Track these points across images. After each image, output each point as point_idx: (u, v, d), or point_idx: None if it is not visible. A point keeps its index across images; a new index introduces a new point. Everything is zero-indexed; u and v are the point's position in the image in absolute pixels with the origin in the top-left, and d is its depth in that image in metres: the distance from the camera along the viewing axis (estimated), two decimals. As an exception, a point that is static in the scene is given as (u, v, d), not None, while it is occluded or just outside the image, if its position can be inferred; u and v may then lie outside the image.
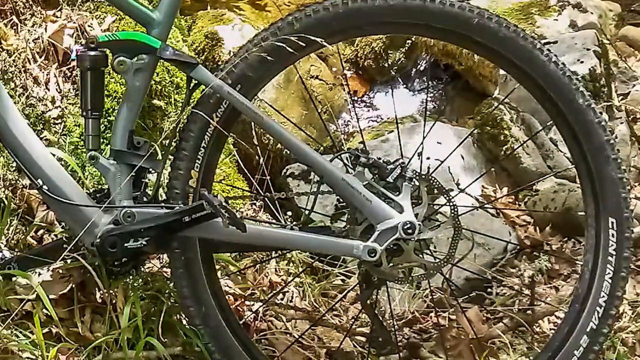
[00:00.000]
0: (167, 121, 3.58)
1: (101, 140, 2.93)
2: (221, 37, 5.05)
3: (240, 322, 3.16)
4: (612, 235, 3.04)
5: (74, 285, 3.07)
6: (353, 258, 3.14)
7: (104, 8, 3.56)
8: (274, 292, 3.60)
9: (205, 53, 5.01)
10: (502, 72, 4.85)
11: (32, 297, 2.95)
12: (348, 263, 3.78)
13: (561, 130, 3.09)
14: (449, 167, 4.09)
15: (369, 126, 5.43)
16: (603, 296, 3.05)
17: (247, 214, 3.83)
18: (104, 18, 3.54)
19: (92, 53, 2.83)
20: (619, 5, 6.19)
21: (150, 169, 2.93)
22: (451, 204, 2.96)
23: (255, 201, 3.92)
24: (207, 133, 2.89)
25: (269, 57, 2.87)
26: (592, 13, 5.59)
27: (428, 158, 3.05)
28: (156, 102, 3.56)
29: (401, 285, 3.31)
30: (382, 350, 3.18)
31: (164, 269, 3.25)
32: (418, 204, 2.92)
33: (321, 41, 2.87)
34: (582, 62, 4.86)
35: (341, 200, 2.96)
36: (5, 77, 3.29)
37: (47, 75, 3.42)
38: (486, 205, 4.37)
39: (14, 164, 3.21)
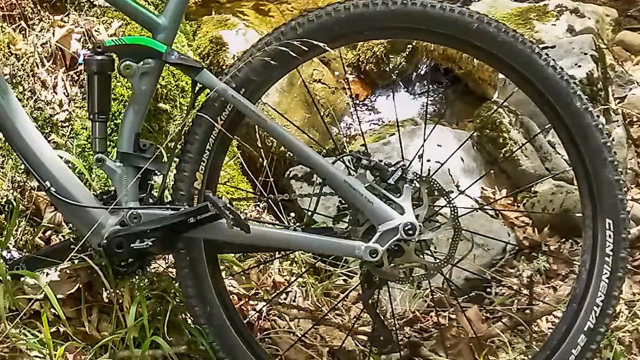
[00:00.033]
0: (173, 124, 3.59)
1: (108, 142, 2.94)
2: (225, 42, 5.06)
3: (244, 321, 3.17)
4: (609, 236, 3.04)
5: (81, 285, 3.08)
6: (355, 258, 3.15)
7: (110, 13, 3.56)
8: (278, 291, 3.60)
9: (210, 57, 5.02)
10: (501, 76, 4.84)
11: (40, 297, 2.95)
12: (350, 263, 3.78)
13: (559, 133, 3.09)
14: (449, 169, 4.09)
15: (371, 129, 5.43)
16: (600, 296, 3.05)
17: (251, 215, 3.83)
18: (110, 23, 3.54)
19: (99, 57, 2.84)
20: (616, 10, 6.19)
21: (156, 171, 2.93)
22: (451, 205, 2.96)
23: (259, 203, 3.92)
24: (212, 136, 2.89)
25: (272, 62, 2.87)
26: (589, 18, 5.58)
27: (428, 160, 3.05)
28: (162, 106, 3.56)
29: (402, 285, 3.31)
30: (383, 349, 3.19)
31: (170, 269, 3.25)
32: (419, 206, 2.92)
33: (324, 46, 2.87)
34: (579, 66, 4.85)
35: (343, 201, 2.96)
36: (14, 81, 3.29)
37: (54, 79, 3.42)
38: (485, 207, 4.36)
39: (23, 166, 3.21)
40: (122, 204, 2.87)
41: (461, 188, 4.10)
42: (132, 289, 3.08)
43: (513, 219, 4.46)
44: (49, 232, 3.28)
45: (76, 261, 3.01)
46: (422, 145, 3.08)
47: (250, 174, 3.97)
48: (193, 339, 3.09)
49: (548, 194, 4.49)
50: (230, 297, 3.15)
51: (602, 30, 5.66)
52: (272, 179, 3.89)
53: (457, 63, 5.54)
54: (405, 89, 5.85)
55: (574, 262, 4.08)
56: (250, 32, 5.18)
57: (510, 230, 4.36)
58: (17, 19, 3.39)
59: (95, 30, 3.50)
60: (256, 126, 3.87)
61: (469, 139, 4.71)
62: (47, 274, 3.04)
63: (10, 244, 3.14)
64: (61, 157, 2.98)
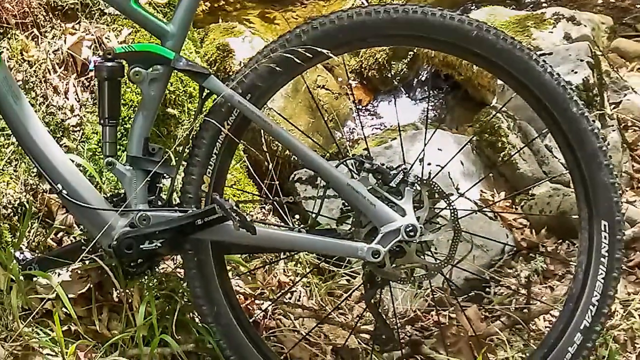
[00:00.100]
0: (181, 129, 3.58)
1: (118, 147, 2.93)
2: (232, 49, 5.07)
3: (250, 320, 3.17)
4: (605, 238, 3.04)
5: (92, 285, 3.07)
6: (358, 259, 3.14)
7: (120, 21, 3.56)
8: (283, 291, 3.59)
9: (217, 64, 5.02)
10: (499, 82, 4.83)
11: (52, 297, 2.95)
12: (353, 264, 3.77)
13: (556, 138, 3.08)
14: (449, 172, 4.09)
15: (373, 133, 5.42)
16: (596, 295, 3.05)
17: (256, 217, 3.82)
18: (120, 30, 3.54)
19: (109, 64, 2.84)
20: (611, 18, 6.18)
21: (165, 175, 2.93)
22: (451, 207, 2.96)
23: (264, 205, 3.92)
24: (219, 140, 2.89)
25: (277, 68, 2.87)
26: (585, 26, 5.58)
27: (429, 164, 3.05)
28: (170, 111, 3.56)
29: (403, 285, 3.31)
30: (385, 347, 3.18)
31: (178, 270, 3.25)
32: (420, 208, 2.92)
33: (327, 52, 2.87)
34: (575, 72, 4.85)
35: (346, 204, 2.96)
36: (27, 86, 3.29)
37: (66, 85, 3.42)
38: (485, 209, 4.36)
39: (35, 170, 3.20)
40: (132, 206, 2.87)
41: (461, 191, 4.10)
42: (142, 288, 3.08)
43: (511, 221, 4.45)
44: (60, 234, 3.28)
45: (87, 262, 3.01)
46: (423, 149, 3.08)
47: (256, 177, 3.97)
48: (200, 338, 3.08)
49: (545, 197, 4.48)
50: (237, 296, 3.15)
51: (597, 37, 5.66)
52: (277, 182, 3.89)
53: (457, 69, 5.54)
54: (407, 95, 5.85)
55: (571, 263, 4.08)
56: (256, 40, 5.19)
57: (509, 231, 4.35)
58: (29, 26, 3.39)
59: (106, 38, 3.50)
60: (262, 131, 3.87)
61: (469, 143, 4.70)
62: (59, 274, 3.05)
63: (23, 245, 3.14)
64: (72, 161, 2.98)
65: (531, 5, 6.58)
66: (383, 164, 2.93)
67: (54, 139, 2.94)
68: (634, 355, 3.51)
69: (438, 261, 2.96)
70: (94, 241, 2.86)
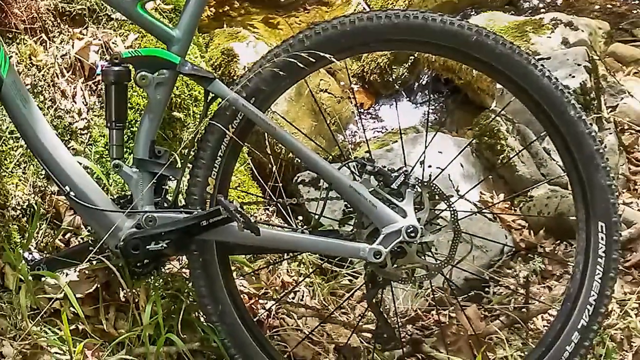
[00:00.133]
0: (186, 132, 3.58)
1: (124, 149, 2.93)
2: (236, 54, 5.07)
3: (255, 320, 3.16)
4: (602, 239, 3.03)
5: (99, 285, 3.08)
6: (359, 259, 3.14)
7: (127, 26, 3.56)
8: (286, 291, 3.59)
9: (222, 68, 5.02)
10: (498, 86, 4.83)
11: (60, 296, 2.95)
12: (355, 264, 3.77)
13: (554, 141, 3.08)
14: (449, 174, 4.09)
15: (375, 136, 5.43)
16: (593, 295, 3.04)
17: (260, 219, 3.82)
18: (127, 35, 3.54)
19: (116, 68, 2.84)
20: (608, 23, 6.19)
21: (170, 177, 2.93)
22: (451, 209, 2.96)
23: (268, 206, 3.92)
24: (224, 143, 2.89)
25: (281, 72, 2.87)
26: (582, 31, 5.58)
27: (430, 166, 3.04)
28: (176, 114, 3.56)
29: (404, 285, 3.32)
30: (386, 346, 3.18)
31: (183, 270, 3.25)
32: (420, 209, 2.92)
33: (330, 57, 2.87)
34: (573, 76, 4.85)
35: (348, 205, 2.96)
36: (35, 90, 3.29)
37: (74, 89, 3.42)
38: (484, 210, 4.36)
39: (43, 172, 3.20)
40: (138, 208, 2.87)
41: (461, 192, 4.09)
42: (148, 288, 3.08)
43: (510, 222, 4.46)
44: (68, 235, 3.28)
45: (94, 262, 3.02)
46: (424, 152, 3.08)
47: (260, 179, 3.97)
48: (206, 337, 3.08)
49: (543, 198, 4.48)
50: (241, 296, 3.15)
51: (595, 42, 5.66)
52: (280, 184, 3.89)
53: (457, 74, 5.54)
54: (408, 99, 5.85)
55: (568, 263, 4.07)
56: (260, 44, 5.19)
57: (508, 232, 4.35)
58: (38, 31, 3.40)
59: (113, 43, 3.50)
60: (266, 134, 3.87)
61: (468, 146, 4.71)
62: (67, 275, 3.05)
63: (32, 245, 3.14)
64: (80, 163, 2.98)
65: (529, 11, 6.58)
66: (384, 167, 2.93)
67: (62, 142, 2.95)
68: (631, 354, 3.51)
69: (438, 261, 2.96)
70: (101, 242, 2.86)
